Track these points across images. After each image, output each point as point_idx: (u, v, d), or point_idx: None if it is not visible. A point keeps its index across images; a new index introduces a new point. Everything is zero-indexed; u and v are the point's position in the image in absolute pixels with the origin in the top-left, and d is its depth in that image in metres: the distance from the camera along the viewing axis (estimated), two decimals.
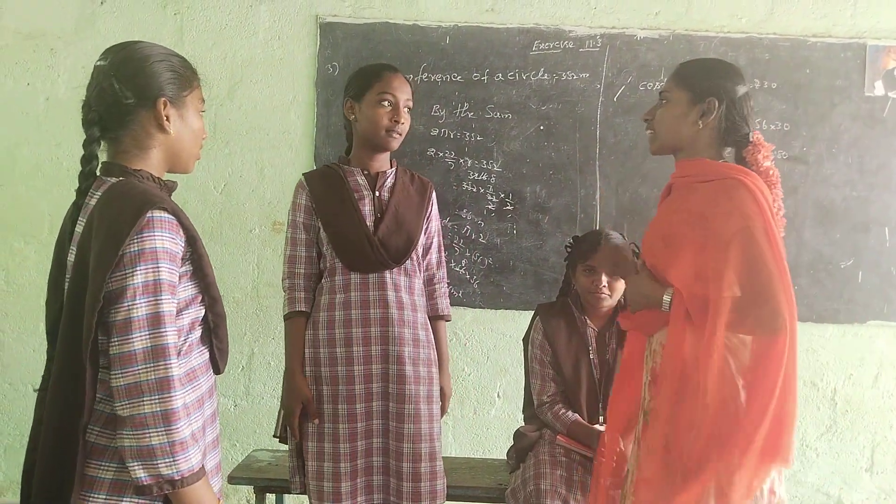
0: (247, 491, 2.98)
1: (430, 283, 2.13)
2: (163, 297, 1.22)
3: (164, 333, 1.22)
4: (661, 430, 1.61)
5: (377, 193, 2.03)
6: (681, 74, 1.71)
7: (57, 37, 2.96)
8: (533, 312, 2.37)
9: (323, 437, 1.96)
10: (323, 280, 2.02)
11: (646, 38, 2.94)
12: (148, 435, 1.19)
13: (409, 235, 2.02)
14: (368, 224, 1.99)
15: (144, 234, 1.21)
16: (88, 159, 1.32)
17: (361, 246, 1.96)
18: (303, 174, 2.11)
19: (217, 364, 1.40)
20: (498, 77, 2.95)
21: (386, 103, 1.97)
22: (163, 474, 1.20)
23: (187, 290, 1.30)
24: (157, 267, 1.22)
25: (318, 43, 2.95)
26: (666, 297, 1.63)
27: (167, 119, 1.33)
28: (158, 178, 1.36)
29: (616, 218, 2.97)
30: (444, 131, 2.97)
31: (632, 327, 1.81)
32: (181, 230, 1.27)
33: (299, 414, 1.97)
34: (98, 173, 1.34)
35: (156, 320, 1.21)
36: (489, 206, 2.98)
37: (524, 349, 2.39)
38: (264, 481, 2.31)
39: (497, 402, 3.05)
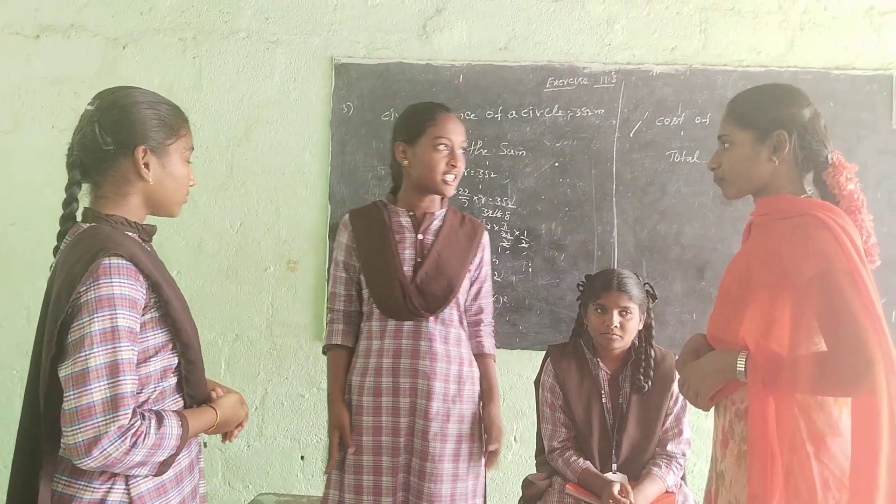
0: None
1: (475, 324, 2.05)
2: (121, 345, 1.18)
3: (122, 382, 1.18)
4: (727, 497, 1.46)
5: (420, 236, 1.95)
6: (736, 112, 1.53)
7: (81, 81, 3.04)
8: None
9: (346, 487, 1.90)
10: (362, 323, 1.98)
11: (662, 73, 2.89)
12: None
13: (450, 283, 1.92)
14: (407, 269, 1.91)
15: (101, 281, 1.19)
16: (68, 202, 1.33)
17: (395, 293, 1.90)
18: (349, 211, 2.06)
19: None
20: (511, 114, 2.93)
21: (442, 147, 1.89)
22: None
23: (156, 336, 1.28)
24: (115, 314, 1.19)
25: (333, 83, 2.97)
26: (740, 363, 1.40)
27: (146, 167, 1.32)
28: (135, 222, 1.34)
29: (634, 255, 2.89)
30: None
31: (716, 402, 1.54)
32: (141, 276, 1.24)
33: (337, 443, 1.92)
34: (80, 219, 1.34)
35: (114, 368, 1.17)
36: (503, 244, 2.93)
37: (535, 392, 2.31)
38: None
39: (514, 447, 2.96)
